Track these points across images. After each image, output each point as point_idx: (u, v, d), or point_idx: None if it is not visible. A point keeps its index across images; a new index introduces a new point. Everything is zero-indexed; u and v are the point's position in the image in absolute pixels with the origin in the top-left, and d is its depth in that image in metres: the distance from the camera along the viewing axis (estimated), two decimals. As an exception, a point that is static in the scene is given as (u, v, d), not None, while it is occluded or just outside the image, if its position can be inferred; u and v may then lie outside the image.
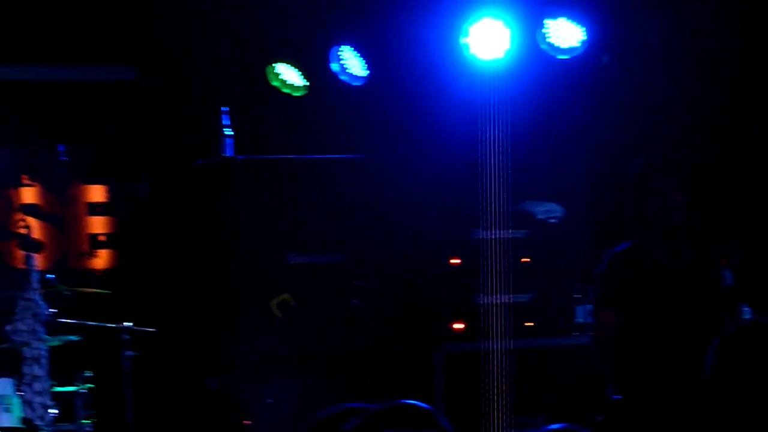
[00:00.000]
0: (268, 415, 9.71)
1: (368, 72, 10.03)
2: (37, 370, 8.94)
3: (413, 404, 4.14)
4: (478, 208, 9.46)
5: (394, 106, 10.24)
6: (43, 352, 8.99)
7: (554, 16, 9.59)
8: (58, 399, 9.10)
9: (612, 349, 7.62)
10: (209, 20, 10.67)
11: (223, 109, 9.96)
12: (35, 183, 11.14)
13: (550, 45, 9.59)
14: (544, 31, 9.53)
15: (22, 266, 9.57)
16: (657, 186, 7.77)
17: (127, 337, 9.43)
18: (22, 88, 11.34)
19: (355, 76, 10.07)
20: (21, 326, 8.97)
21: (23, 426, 8.82)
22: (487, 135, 9.37)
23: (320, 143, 10.52)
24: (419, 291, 10.36)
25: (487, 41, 9.42)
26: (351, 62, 10.08)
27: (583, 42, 9.57)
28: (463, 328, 10.13)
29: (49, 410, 8.93)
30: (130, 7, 10.86)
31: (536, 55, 9.68)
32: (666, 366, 7.55)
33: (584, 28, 9.57)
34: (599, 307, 7.84)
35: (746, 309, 7.45)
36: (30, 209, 10.94)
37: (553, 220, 10.30)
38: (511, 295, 9.67)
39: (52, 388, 9.02)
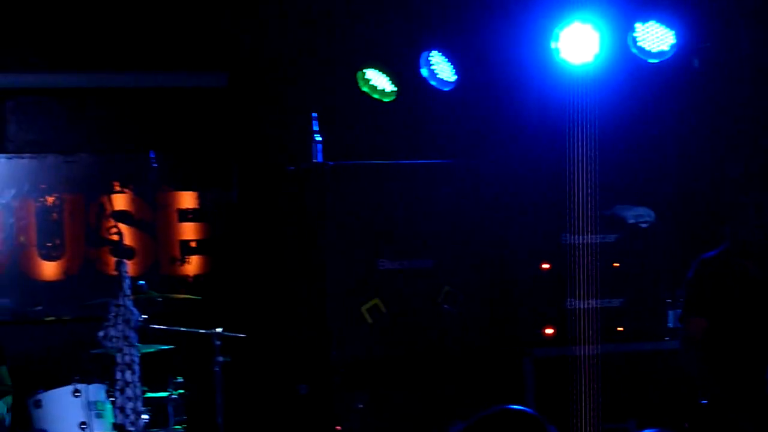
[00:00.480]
0: (359, 420, 9.79)
1: (457, 77, 10.04)
2: (129, 376, 9.01)
3: (520, 410, 4.55)
4: (567, 213, 9.45)
5: (483, 111, 10.35)
6: (135, 358, 9.07)
7: (644, 20, 9.48)
8: (150, 404, 9.24)
9: (699, 355, 7.79)
10: (300, 27, 10.91)
11: (312, 114, 10.02)
12: (127, 190, 11.33)
13: (641, 49, 9.48)
14: (634, 35, 9.42)
15: (114, 273, 9.54)
16: (751, 196, 7.92)
17: (218, 342, 9.56)
18: (114, 95, 11.58)
19: (445, 81, 10.07)
20: (113, 332, 9.02)
21: (115, 431, 9.03)
22: (577, 140, 9.40)
23: (409, 148, 10.60)
24: (509, 296, 10.40)
25: (577, 45, 9.40)
26: (440, 67, 10.06)
27: (673, 46, 9.45)
28: (554, 333, 10.17)
29: (141, 416, 9.01)
30: (222, 15, 11.08)
31: (626, 59, 9.57)
32: (751, 372, 7.59)
33: (674, 32, 9.44)
34: (687, 313, 8.04)
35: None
36: (122, 216, 11.17)
37: (643, 225, 10.28)
38: (601, 300, 9.74)
39: (144, 393, 9.14)
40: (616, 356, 9.90)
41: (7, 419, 9.61)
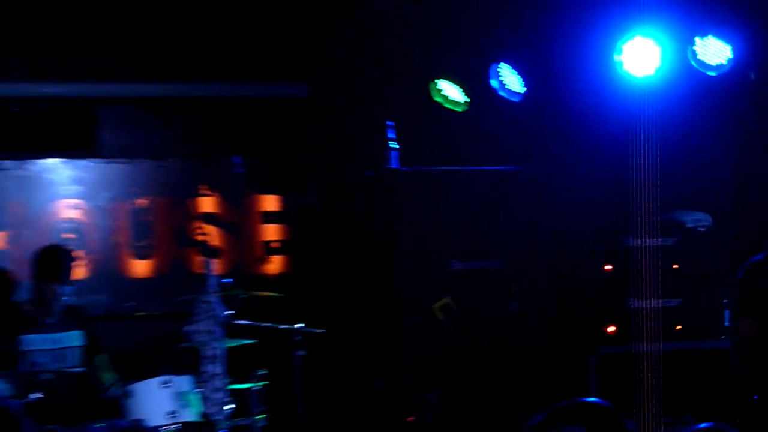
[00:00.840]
0: (431, 412, 10.01)
1: (525, 89, 10.42)
2: (215, 369, 9.18)
3: (596, 402, 4.71)
4: (629, 217, 9.75)
5: (550, 121, 10.56)
6: (220, 352, 9.22)
7: (703, 35, 9.77)
8: (234, 395, 9.34)
9: (749, 355, 7.91)
10: (376, 40, 11.18)
11: (388, 123, 10.31)
12: (213, 193, 11.67)
13: (700, 62, 9.81)
14: (694, 48, 9.77)
15: (201, 271, 9.69)
16: None
17: (299, 337, 9.67)
18: (202, 104, 11.92)
19: (513, 92, 10.42)
20: (200, 327, 9.21)
21: (202, 420, 9.12)
22: (638, 148, 9.64)
23: (480, 156, 10.80)
24: (574, 296, 10.59)
25: (640, 59, 9.72)
26: (509, 79, 10.43)
27: (731, 59, 9.79)
28: (616, 331, 10.43)
29: (226, 406, 9.20)
30: (303, 28, 11.45)
31: (686, 72, 9.88)
32: None
33: (732, 47, 9.78)
34: (737, 314, 8.18)
35: None
36: (209, 218, 11.51)
37: (701, 229, 10.50)
38: (661, 300, 9.94)
39: (228, 385, 9.29)
40: (675, 354, 10.01)
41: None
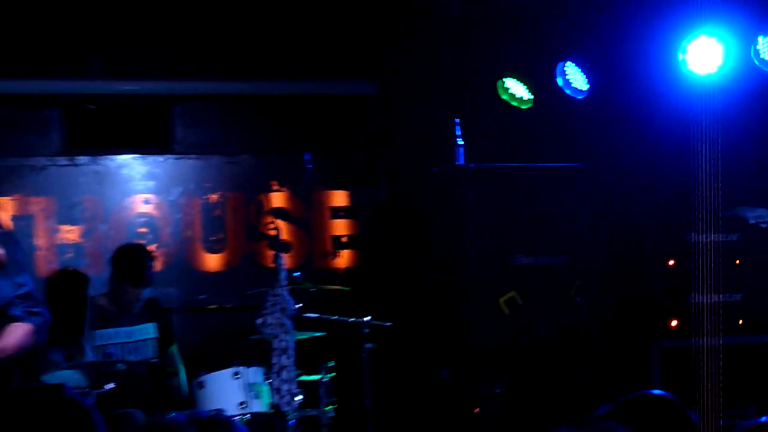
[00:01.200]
0: (496, 404, 10.17)
1: (589, 86, 10.55)
2: (285, 360, 9.39)
3: (660, 394, 4.84)
4: (691, 214, 9.71)
5: (614, 118, 10.63)
6: (290, 344, 9.43)
7: (766, 34, 9.88)
8: (303, 387, 9.54)
9: None
10: (443, 38, 11.37)
11: (455, 120, 10.45)
12: (283, 189, 11.88)
13: (763, 61, 9.91)
14: (757, 47, 9.90)
15: (271, 265, 9.87)
16: None
17: (366, 330, 10.00)
18: (272, 101, 12.12)
19: (578, 90, 10.57)
20: (270, 320, 9.42)
21: (271, 411, 9.40)
22: (701, 145, 9.62)
23: (545, 152, 10.92)
24: (637, 290, 10.70)
25: (703, 57, 9.83)
26: (574, 77, 10.57)
27: None
28: (678, 325, 10.46)
29: (295, 397, 9.39)
30: (373, 28, 11.63)
31: (749, 71, 9.99)
32: None
33: None
34: None
35: None
36: (279, 213, 11.70)
37: (763, 225, 10.56)
38: (723, 295, 9.90)
39: (298, 376, 9.49)
40: (736, 348, 10.06)
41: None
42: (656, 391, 4.92)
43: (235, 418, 9.28)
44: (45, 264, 11.42)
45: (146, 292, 10.37)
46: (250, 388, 9.54)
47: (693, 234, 9.91)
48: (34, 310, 6.93)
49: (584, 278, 10.64)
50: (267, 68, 11.98)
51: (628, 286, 10.78)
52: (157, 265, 11.02)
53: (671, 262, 10.52)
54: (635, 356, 10.47)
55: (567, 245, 10.72)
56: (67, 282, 10.76)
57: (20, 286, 6.90)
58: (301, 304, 9.69)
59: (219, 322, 11.29)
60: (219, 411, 8.88)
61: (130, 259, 10.26)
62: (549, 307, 10.57)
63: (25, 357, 7.17)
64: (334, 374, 9.83)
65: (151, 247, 11.11)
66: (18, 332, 6.84)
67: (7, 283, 6.84)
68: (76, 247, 11.61)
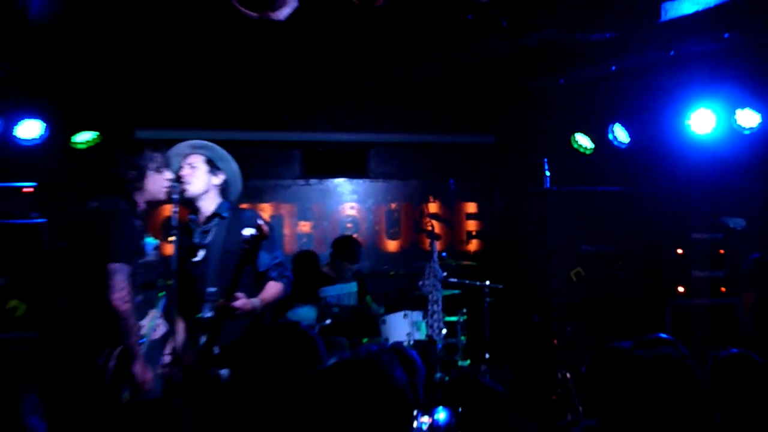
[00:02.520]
0: (568, 339, 10.20)
1: (630, 139, 10.91)
2: (436, 308, 9.80)
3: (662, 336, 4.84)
4: (693, 220, 10.21)
5: (644, 160, 10.81)
6: (439, 297, 9.79)
7: (742, 107, 9.79)
8: (447, 324, 9.87)
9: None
10: (538, 104, 11.49)
11: (544, 159, 10.51)
12: (436, 201, 11.78)
13: (739, 126, 9.91)
14: (736, 117, 9.90)
15: (428, 248, 10.19)
16: None
17: (486, 290, 10.28)
18: (429, 146, 12.53)
19: (622, 142, 10.97)
20: (427, 282, 9.83)
21: (427, 339, 9.74)
22: (700, 178, 10.11)
23: (601, 180, 11.07)
24: (658, 268, 10.75)
25: (702, 122, 10.03)
26: (619, 133, 10.97)
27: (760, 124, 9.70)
28: (684, 291, 10.51)
29: (442, 330, 9.75)
30: (493, 99, 11.83)
31: (732, 132, 10.01)
32: None
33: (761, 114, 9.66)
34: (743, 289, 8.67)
35: None
36: (433, 216, 11.51)
37: (739, 228, 10.24)
38: (712, 272, 10.30)
39: (443, 318, 9.81)
40: (719, 306, 10.28)
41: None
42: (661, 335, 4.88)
43: (404, 343, 9.61)
44: (289, 246, 11.86)
45: (355, 267, 10.79)
46: (414, 324, 9.98)
47: (694, 233, 10.30)
48: (284, 274, 6.91)
49: (625, 260, 10.73)
50: (426, 125, 12.28)
51: (653, 265, 10.77)
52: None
53: (680, 251, 10.53)
54: (656, 311, 10.46)
55: (614, 238, 10.79)
56: (305, 257, 11.24)
57: (275, 258, 6.87)
58: (446, 273, 9.96)
59: (396, 283, 11.40)
60: (397, 343, 8.54)
61: (348, 245, 10.75)
62: (601, 278, 10.68)
63: (276, 304, 7.11)
64: (466, 317, 10.12)
65: (354, 236, 11.29)
66: (274, 289, 6.86)
67: (267, 256, 6.80)
68: (308, 236, 12.14)
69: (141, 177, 6.41)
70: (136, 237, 6.27)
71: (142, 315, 6.43)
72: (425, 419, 6.27)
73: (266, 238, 6.50)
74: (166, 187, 6.56)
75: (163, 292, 6.64)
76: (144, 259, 6.59)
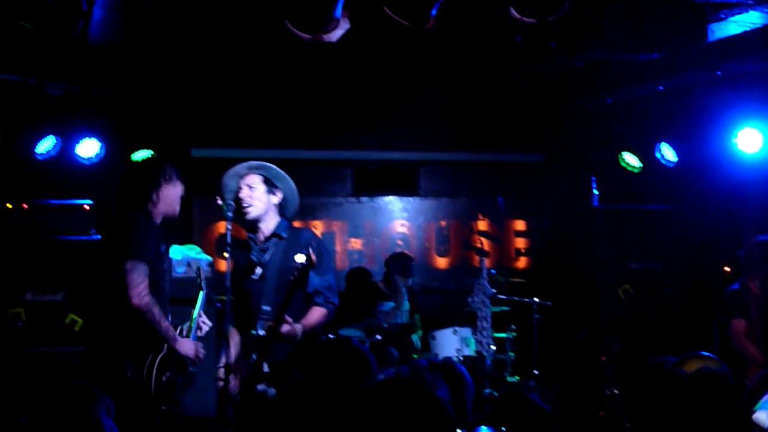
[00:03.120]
0: (616, 355, 10.01)
1: (677, 158, 10.72)
2: (485, 324, 9.98)
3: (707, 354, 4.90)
4: (740, 238, 9.88)
5: (691, 179, 10.72)
6: (488, 314, 9.98)
7: None
8: (496, 340, 10.04)
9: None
10: (585, 124, 11.44)
11: (592, 178, 10.75)
12: (485, 218, 12.18)
13: None
14: None
15: (477, 265, 10.43)
16: None
17: (535, 307, 10.27)
18: (478, 164, 12.65)
19: (669, 161, 10.77)
20: (476, 299, 10.01)
21: (476, 355, 9.89)
22: (748, 197, 9.93)
23: (648, 199, 11.04)
24: (705, 286, 10.65)
25: (749, 141, 9.79)
26: (667, 152, 10.78)
27: None
28: None
29: (491, 346, 9.96)
30: (541, 119, 11.79)
31: None
32: None
33: None
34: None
35: None
36: (482, 233, 11.87)
37: None
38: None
39: (492, 334, 9.99)
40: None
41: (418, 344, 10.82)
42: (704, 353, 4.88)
43: (453, 358, 9.63)
44: (340, 263, 11.98)
45: (408, 282, 10.96)
46: (463, 340, 10.07)
47: (741, 251, 9.82)
48: (330, 299, 6.89)
49: (672, 277, 10.67)
50: (475, 144, 12.42)
51: (700, 283, 10.74)
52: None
53: (727, 269, 10.34)
54: (704, 328, 10.27)
55: (662, 256, 10.78)
56: (358, 274, 11.44)
57: (325, 281, 6.87)
58: (495, 290, 10.15)
59: (445, 299, 11.63)
60: (447, 358, 9.44)
61: (401, 260, 11.01)
62: (649, 295, 10.63)
63: (325, 325, 7.13)
64: (515, 333, 10.17)
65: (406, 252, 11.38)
66: (317, 314, 6.86)
67: (318, 278, 6.80)
68: (359, 253, 12.29)
69: (154, 190, 6.53)
70: (151, 240, 6.35)
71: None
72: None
73: (314, 266, 6.55)
74: (178, 199, 6.69)
75: (202, 292, 6.82)
76: (176, 274, 6.99)
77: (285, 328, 6.56)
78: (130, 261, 6.20)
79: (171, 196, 6.62)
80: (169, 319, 6.48)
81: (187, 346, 6.46)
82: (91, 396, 4.16)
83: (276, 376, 6.42)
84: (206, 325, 6.85)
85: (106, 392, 5.53)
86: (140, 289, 6.17)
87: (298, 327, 6.66)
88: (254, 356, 6.62)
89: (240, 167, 7.02)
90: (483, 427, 6.08)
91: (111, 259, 6.26)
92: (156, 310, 6.25)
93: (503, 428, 4.96)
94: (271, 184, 6.99)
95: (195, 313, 6.74)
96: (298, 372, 4.49)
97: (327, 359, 4.42)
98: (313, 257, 6.46)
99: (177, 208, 6.70)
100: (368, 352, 4.52)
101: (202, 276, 6.96)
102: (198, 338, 6.69)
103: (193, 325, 6.66)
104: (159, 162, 6.68)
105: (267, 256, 6.93)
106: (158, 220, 6.56)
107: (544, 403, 4.74)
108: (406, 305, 10.93)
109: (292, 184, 7.04)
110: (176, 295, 7.28)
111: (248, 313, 6.87)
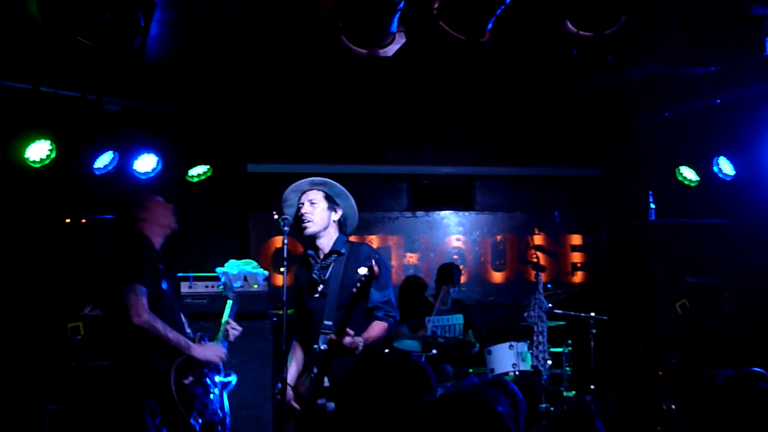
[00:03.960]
0: (673, 370, 10.17)
1: (735, 172, 10.71)
2: (541, 339, 9.82)
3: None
4: None
5: (748, 193, 10.66)
6: (544, 328, 9.82)
7: None
8: (552, 355, 9.93)
9: None
10: (642, 138, 11.42)
11: (650, 192, 10.76)
12: (541, 233, 12.24)
13: None
14: None
15: (533, 280, 10.33)
16: None
17: (592, 321, 10.22)
18: (534, 179, 12.57)
19: (727, 174, 10.74)
20: (533, 313, 9.89)
21: (532, 370, 9.79)
22: None
23: (705, 213, 10.95)
24: (763, 301, 10.68)
25: None
26: (724, 166, 10.77)
27: None
28: None
29: (547, 361, 9.79)
30: (597, 134, 11.74)
31: None
32: None
33: None
34: None
35: None
36: (538, 248, 11.88)
37: None
38: None
39: (549, 348, 9.84)
40: None
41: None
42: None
43: (510, 373, 9.84)
44: (396, 277, 11.78)
45: (453, 291, 10.88)
46: (520, 355, 10.04)
47: None
48: (390, 313, 6.88)
49: (730, 292, 10.62)
50: (531, 159, 12.35)
51: (758, 297, 10.69)
52: (463, 279, 11.50)
53: None
54: (762, 344, 10.28)
55: (719, 271, 10.71)
56: (413, 285, 11.43)
57: (384, 296, 6.87)
58: (551, 305, 10.03)
59: (501, 314, 11.50)
60: (498, 375, 9.42)
61: (447, 270, 10.94)
62: (706, 310, 10.60)
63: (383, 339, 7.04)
64: (571, 348, 10.21)
65: (460, 267, 11.43)
66: (378, 328, 6.83)
67: (377, 293, 6.80)
68: (415, 267, 12.17)
69: (143, 211, 6.78)
70: (144, 259, 6.54)
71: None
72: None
73: (376, 278, 6.53)
74: (170, 216, 6.91)
75: (230, 301, 7.16)
76: (234, 288, 7.20)
77: (347, 340, 6.54)
78: (127, 284, 6.45)
79: (163, 213, 6.86)
80: (187, 327, 6.72)
81: (204, 351, 6.69)
82: (140, 403, 4.23)
83: (336, 391, 6.45)
84: (236, 330, 7.12)
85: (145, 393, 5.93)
86: (138, 309, 6.40)
87: (360, 340, 6.64)
88: (315, 370, 6.64)
89: (302, 182, 7.04)
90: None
91: (111, 281, 6.55)
92: (158, 324, 6.48)
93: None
94: (332, 201, 7.01)
95: (224, 319, 7.01)
96: (358, 386, 4.49)
97: (386, 373, 4.42)
98: (376, 269, 6.45)
99: (171, 221, 6.93)
100: (427, 366, 4.52)
101: (231, 285, 7.27)
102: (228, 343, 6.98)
103: (221, 333, 6.96)
104: (138, 188, 6.83)
105: (327, 273, 6.96)
106: (156, 237, 6.81)
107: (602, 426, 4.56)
108: (460, 318, 10.91)
109: (353, 201, 7.05)
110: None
111: (310, 328, 6.92)
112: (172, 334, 6.57)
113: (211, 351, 6.77)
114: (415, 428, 3.14)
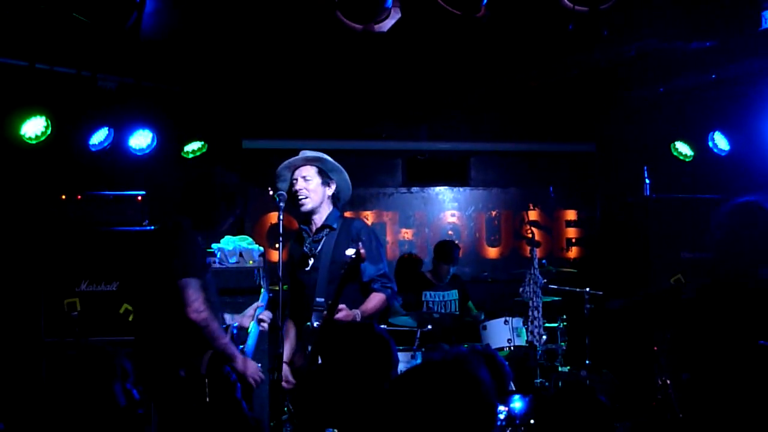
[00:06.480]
0: (668, 345, 9.42)
1: (729, 147, 10.76)
2: (536, 314, 10.06)
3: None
4: None
5: (743, 167, 10.59)
6: (539, 304, 10.06)
7: None
8: (547, 331, 10.08)
9: None
10: (636, 113, 11.35)
11: (644, 167, 10.76)
12: (536, 208, 12.15)
13: None
14: None
15: (528, 255, 10.61)
16: None
17: (587, 297, 10.20)
18: (528, 155, 12.53)
19: (722, 149, 10.82)
20: (527, 289, 10.12)
21: (527, 345, 9.90)
22: None
23: (699, 188, 10.90)
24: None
25: None
26: (719, 141, 10.85)
27: None
28: None
29: (542, 336, 10.02)
30: (592, 109, 11.69)
31: None
32: None
33: None
34: None
35: None
36: (533, 223, 11.67)
37: None
38: None
39: (543, 324, 10.06)
40: None
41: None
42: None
43: (504, 348, 9.83)
44: (391, 252, 11.86)
45: (452, 269, 10.94)
46: (515, 330, 10.03)
47: None
48: (387, 284, 6.95)
49: None
50: (526, 134, 12.33)
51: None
52: (459, 254, 11.30)
53: None
54: None
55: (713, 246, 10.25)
56: (409, 261, 11.66)
57: (379, 270, 6.93)
58: (546, 280, 10.22)
59: (496, 289, 11.49)
60: (487, 345, 9.68)
61: (445, 247, 10.95)
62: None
63: (381, 312, 7.15)
64: (566, 323, 10.19)
65: (457, 243, 11.47)
66: (376, 300, 6.90)
67: (372, 267, 6.86)
68: (410, 243, 12.20)
69: (217, 212, 6.51)
70: (199, 253, 6.33)
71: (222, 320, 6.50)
72: (502, 408, 6.46)
73: (363, 261, 6.53)
74: (271, 196, 6.72)
75: (263, 290, 6.92)
76: (229, 264, 7.33)
77: (341, 314, 6.54)
78: (185, 278, 6.10)
79: (224, 224, 6.59)
80: (223, 319, 6.45)
81: (246, 367, 6.33)
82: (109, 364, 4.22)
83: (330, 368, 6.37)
84: (268, 318, 6.84)
85: (159, 392, 6.07)
86: (197, 305, 6.08)
87: (356, 312, 6.65)
88: (309, 348, 6.64)
89: (296, 158, 7.04)
90: (516, 396, 6.49)
91: (160, 270, 6.20)
92: (215, 325, 6.17)
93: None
94: (325, 176, 7.03)
95: (257, 304, 6.79)
96: (320, 357, 4.57)
97: (347, 344, 4.48)
98: (363, 252, 6.43)
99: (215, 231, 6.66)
100: (390, 338, 4.55)
101: (262, 274, 7.17)
102: (261, 332, 6.80)
103: (253, 338, 6.67)
104: (239, 192, 6.57)
105: (319, 247, 6.98)
106: (199, 231, 6.51)
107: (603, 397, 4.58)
108: (455, 294, 10.96)
109: (346, 176, 7.06)
110: (229, 285, 7.34)
111: (303, 304, 6.92)
112: (225, 341, 6.23)
113: (251, 369, 6.37)
114: (401, 393, 3.24)
